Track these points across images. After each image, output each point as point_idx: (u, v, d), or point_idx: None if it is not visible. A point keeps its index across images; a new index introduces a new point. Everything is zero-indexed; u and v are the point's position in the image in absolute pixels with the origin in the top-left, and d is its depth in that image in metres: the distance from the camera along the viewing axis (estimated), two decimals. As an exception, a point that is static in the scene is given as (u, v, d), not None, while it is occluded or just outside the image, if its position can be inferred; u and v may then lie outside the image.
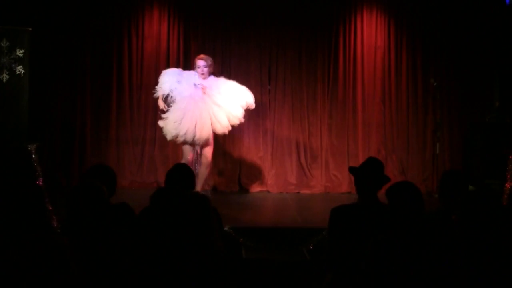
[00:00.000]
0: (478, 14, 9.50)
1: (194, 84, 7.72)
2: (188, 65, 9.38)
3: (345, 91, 9.66)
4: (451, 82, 9.62)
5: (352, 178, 4.55)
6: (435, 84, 9.21)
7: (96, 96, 9.46)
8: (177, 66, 9.42)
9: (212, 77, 7.92)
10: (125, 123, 9.50)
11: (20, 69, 7.83)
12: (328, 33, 9.69)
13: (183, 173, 4.67)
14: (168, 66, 9.43)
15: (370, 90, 9.65)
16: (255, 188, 9.46)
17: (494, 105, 9.25)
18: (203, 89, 7.67)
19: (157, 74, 9.40)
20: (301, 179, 9.57)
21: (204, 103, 7.68)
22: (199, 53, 9.33)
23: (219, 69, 8.99)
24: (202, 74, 7.76)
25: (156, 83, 8.52)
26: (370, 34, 9.69)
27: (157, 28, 9.56)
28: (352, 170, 4.36)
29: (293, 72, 9.65)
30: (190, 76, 7.86)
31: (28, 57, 7.93)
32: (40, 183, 7.24)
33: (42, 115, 9.16)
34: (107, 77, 9.44)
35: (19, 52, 7.86)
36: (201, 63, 7.79)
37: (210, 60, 7.88)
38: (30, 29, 8.01)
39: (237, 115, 7.80)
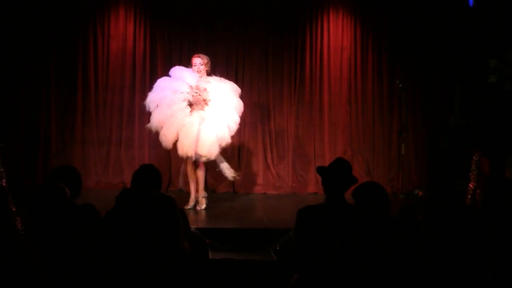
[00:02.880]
0: (442, 16, 9.60)
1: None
2: (154, 65, 9.37)
3: (311, 92, 9.70)
4: (416, 83, 9.72)
5: (319, 178, 4.56)
6: (400, 85, 9.27)
7: (61, 96, 9.35)
8: (143, 66, 9.41)
9: (209, 78, 7.75)
10: (91, 123, 9.41)
11: (-18, 68, 7.72)
12: (294, 34, 9.72)
13: (149, 174, 4.64)
14: (134, 66, 9.41)
15: (336, 91, 9.70)
16: (222, 189, 9.44)
17: (455, 106, 9.36)
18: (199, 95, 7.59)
19: (123, 74, 9.41)
20: (267, 179, 9.59)
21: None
22: (165, 53, 9.36)
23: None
24: (199, 72, 7.63)
25: (123, 83, 8.45)
26: (336, 35, 9.74)
27: (123, 28, 9.48)
28: (320, 170, 4.35)
29: (260, 72, 9.67)
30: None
31: (-9, 56, 7.83)
32: (4, 184, 7.13)
33: (6, 115, 9.03)
34: (72, 77, 9.34)
35: (-18, 51, 7.75)
36: (196, 60, 7.64)
37: (206, 59, 7.70)
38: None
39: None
